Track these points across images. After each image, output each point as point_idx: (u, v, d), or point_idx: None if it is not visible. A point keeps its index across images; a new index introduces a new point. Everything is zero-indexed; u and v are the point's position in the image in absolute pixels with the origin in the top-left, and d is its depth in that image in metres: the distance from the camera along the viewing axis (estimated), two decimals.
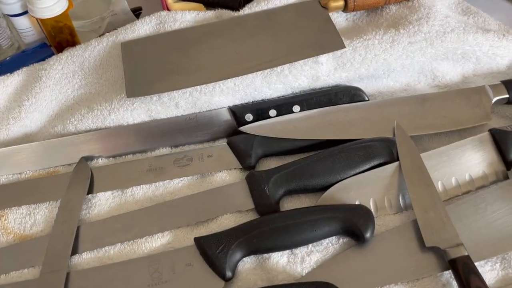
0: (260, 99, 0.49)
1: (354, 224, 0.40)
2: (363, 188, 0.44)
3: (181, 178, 0.46)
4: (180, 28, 0.53)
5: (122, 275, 0.40)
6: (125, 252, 0.42)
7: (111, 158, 0.49)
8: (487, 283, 0.38)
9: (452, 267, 0.38)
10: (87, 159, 0.48)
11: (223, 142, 0.49)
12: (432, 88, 0.53)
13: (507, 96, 0.48)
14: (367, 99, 0.50)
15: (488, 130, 0.46)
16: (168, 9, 0.57)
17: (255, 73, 0.47)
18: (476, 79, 0.52)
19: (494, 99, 0.48)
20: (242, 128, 0.48)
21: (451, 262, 0.38)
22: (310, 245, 0.41)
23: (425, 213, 0.41)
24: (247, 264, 0.41)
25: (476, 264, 0.39)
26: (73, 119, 0.48)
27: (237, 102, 0.49)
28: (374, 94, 0.52)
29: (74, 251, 0.42)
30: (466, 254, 0.38)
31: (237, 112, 0.49)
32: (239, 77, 0.47)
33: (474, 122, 0.47)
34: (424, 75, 0.52)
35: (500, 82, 0.49)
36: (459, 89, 0.50)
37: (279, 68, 0.47)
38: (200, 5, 0.58)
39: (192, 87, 0.47)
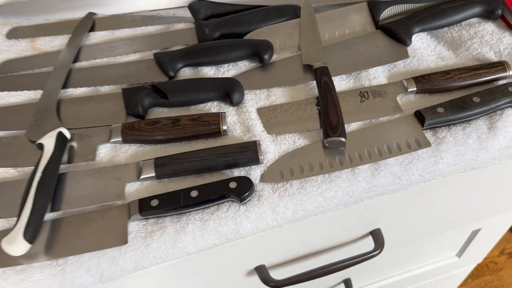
0: None
1: (258, 49, 0.57)
2: (272, 34, 0.59)
3: (153, 26, 0.64)
4: None
5: (102, 74, 0.58)
6: (110, 62, 0.60)
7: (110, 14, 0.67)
8: (341, 89, 0.54)
9: (315, 74, 0.54)
10: (92, 14, 0.67)
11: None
12: None
13: None
14: None
15: (367, 1, 0.61)
16: None
17: None
18: None
19: None
20: None
21: (315, 71, 0.54)
22: (230, 65, 0.58)
23: (308, 46, 0.57)
24: (186, 72, 0.58)
25: (337, 78, 0.55)
26: None
27: None
28: None
29: (76, 60, 0.60)
30: (325, 66, 0.54)
31: None
32: None
33: None
34: None
35: None
36: None
37: None
38: None
39: None
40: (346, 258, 0.58)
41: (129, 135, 0.50)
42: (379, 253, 0.60)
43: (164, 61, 0.56)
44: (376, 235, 0.61)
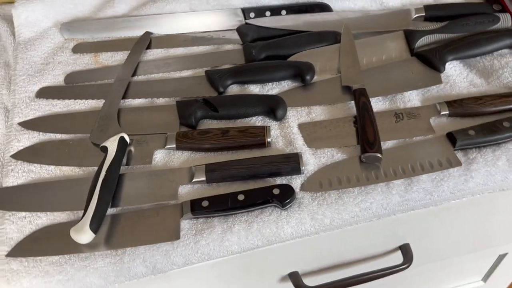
0: (261, 4, 0.71)
1: (300, 70, 0.61)
2: (313, 57, 0.64)
3: (204, 47, 0.69)
4: None
5: (158, 87, 0.64)
6: (164, 77, 0.65)
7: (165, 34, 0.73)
8: (377, 110, 0.58)
9: (354, 95, 0.58)
10: (149, 33, 0.73)
11: None
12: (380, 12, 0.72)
13: (424, 14, 0.67)
14: (332, 11, 0.71)
15: (402, 30, 0.65)
16: None
17: None
18: (411, 7, 0.71)
19: (414, 16, 0.67)
20: (247, 21, 0.71)
21: (354, 92, 0.58)
22: (274, 83, 0.63)
23: (347, 69, 0.62)
24: (234, 88, 0.63)
25: (374, 99, 0.59)
26: (144, 8, 0.73)
27: (246, 5, 0.71)
28: (338, 12, 0.72)
29: (134, 74, 0.65)
30: (364, 87, 0.58)
31: (245, 11, 0.71)
32: None
33: (398, 27, 0.66)
34: (375, 1, 0.71)
35: (422, 6, 0.68)
36: (394, 9, 0.69)
37: None
38: None
39: None
40: (376, 270, 0.61)
41: (183, 142, 0.55)
42: (407, 267, 0.62)
43: (215, 78, 0.62)
44: (405, 250, 0.63)
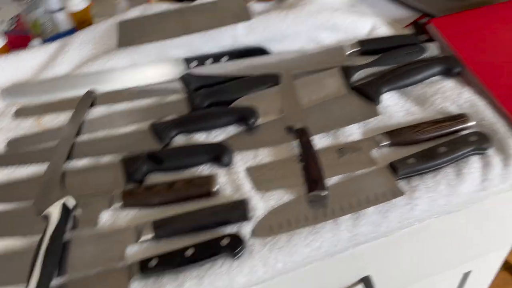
0: (201, 53, 0.72)
1: (243, 115, 0.62)
2: (256, 100, 0.65)
3: (149, 99, 0.68)
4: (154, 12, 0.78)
5: (102, 145, 0.63)
6: (110, 134, 0.64)
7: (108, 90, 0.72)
8: (320, 147, 0.59)
9: (296, 134, 0.59)
10: (92, 91, 0.72)
11: None
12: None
13: (359, 48, 0.69)
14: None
15: (340, 66, 0.67)
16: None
17: (195, 34, 0.71)
18: (346, 43, 0.73)
19: (349, 51, 0.69)
20: (189, 71, 0.71)
21: (296, 131, 0.59)
22: (219, 130, 0.63)
23: (288, 109, 0.62)
24: (181, 138, 0.62)
25: (317, 136, 0.60)
26: (85, 66, 0.73)
27: (188, 54, 0.72)
28: (277, 54, 0.74)
29: (78, 134, 0.64)
30: (305, 126, 0.59)
31: (187, 61, 0.72)
32: (186, 36, 0.70)
33: (334, 64, 0.68)
34: (312, 41, 0.73)
35: (357, 41, 0.70)
36: (329, 47, 0.72)
37: (210, 32, 0.71)
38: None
39: (158, 42, 0.70)
40: None
41: (129, 200, 0.54)
42: None
43: (159, 130, 0.61)
44: (367, 281, 0.63)
